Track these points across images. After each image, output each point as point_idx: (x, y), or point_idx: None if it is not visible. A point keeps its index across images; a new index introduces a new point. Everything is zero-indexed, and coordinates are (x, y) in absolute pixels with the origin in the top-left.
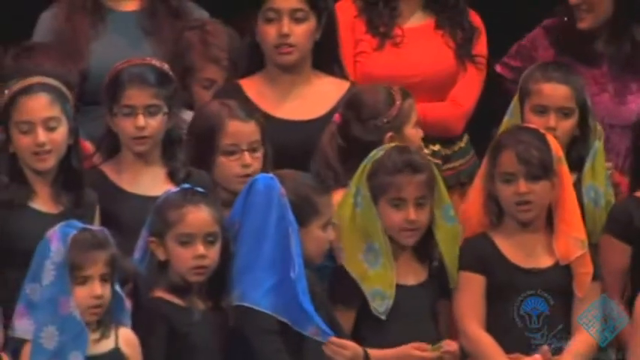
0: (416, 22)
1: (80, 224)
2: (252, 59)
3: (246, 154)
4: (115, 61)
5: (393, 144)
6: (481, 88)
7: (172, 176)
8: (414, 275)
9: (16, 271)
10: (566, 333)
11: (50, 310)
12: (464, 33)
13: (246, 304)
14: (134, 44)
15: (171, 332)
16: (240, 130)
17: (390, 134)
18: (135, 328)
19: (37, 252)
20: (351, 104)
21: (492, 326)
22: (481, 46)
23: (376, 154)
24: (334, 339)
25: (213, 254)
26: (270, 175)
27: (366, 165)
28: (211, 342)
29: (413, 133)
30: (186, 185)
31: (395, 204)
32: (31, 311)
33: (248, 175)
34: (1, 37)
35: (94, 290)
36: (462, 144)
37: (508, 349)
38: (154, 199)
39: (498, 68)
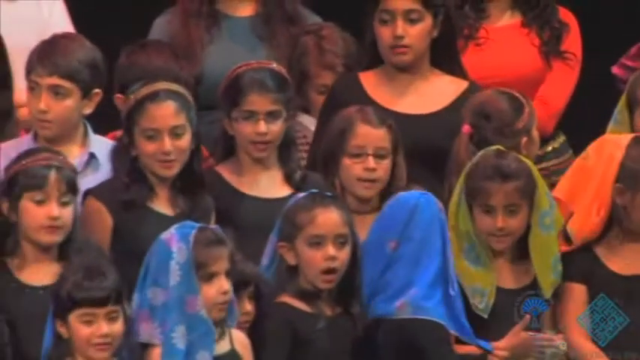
0: (505, 21)
1: (195, 224)
2: (373, 57)
3: (371, 159)
4: (229, 66)
5: (494, 147)
6: (573, 86)
7: (289, 179)
8: (513, 279)
9: (134, 270)
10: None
11: (179, 310)
12: (552, 31)
13: (422, 317)
14: (248, 49)
15: (296, 338)
16: (369, 133)
17: (525, 138)
18: (258, 332)
19: (154, 255)
20: (479, 114)
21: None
22: (571, 43)
23: (478, 156)
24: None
25: (343, 256)
26: (421, 191)
27: (469, 166)
28: (336, 349)
29: (537, 135)
30: (314, 190)
31: (485, 210)
32: (154, 315)
33: (370, 180)
34: (115, 45)
35: (222, 286)
36: (556, 144)
37: None
38: (271, 201)
39: (615, 70)
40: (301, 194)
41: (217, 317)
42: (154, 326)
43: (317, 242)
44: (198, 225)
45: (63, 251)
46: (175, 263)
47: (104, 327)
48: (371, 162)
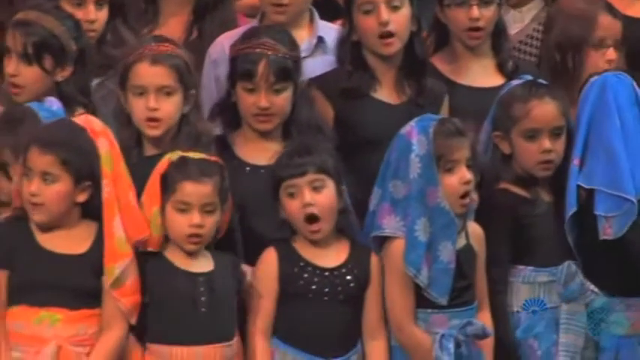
0: None
1: (434, 116)
2: None
3: (612, 50)
4: None
5: None
6: None
7: (501, 67)
8: None
9: (358, 160)
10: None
11: (420, 202)
12: None
13: None
14: None
15: (516, 223)
16: (611, 25)
17: None
18: (480, 219)
19: (394, 149)
20: None
21: None
22: None
23: None
24: None
25: (559, 147)
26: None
27: None
28: (556, 234)
29: None
30: (528, 77)
31: None
32: (395, 208)
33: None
34: None
35: (464, 176)
36: None
37: None
38: (483, 90)
39: None
40: (516, 82)
41: (459, 211)
42: (396, 219)
43: (532, 135)
44: (436, 117)
45: (286, 131)
46: (415, 155)
47: (307, 195)
48: (612, 54)
